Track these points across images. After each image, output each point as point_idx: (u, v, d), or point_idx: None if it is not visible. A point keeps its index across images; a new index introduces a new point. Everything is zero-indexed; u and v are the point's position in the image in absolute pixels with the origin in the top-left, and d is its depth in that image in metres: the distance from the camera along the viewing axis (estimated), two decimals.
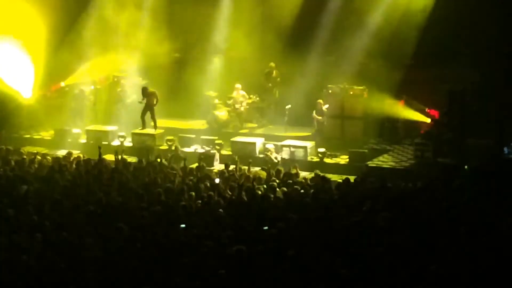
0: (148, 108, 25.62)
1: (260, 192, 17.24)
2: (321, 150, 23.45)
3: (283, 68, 26.29)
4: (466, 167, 20.88)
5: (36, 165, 20.33)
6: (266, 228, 14.40)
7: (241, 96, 26.49)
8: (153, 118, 25.72)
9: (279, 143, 23.97)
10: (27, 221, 14.96)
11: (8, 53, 27.03)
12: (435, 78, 24.76)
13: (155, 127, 25.78)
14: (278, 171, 19.72)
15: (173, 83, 27.43)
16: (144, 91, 25.62)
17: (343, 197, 17.03)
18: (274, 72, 26.44)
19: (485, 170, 19.78)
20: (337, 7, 26.03)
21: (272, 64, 26.35)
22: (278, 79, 26.39)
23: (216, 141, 24.43)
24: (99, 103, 27.82)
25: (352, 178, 19.03)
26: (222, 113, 26.54)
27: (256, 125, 26.93)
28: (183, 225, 14.74)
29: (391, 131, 25.31)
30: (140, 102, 25.71)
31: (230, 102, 26.49)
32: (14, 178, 18.64)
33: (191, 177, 19.05)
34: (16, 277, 12.38)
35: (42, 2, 26.14)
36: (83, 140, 26.03)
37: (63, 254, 13.09)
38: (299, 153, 23.57)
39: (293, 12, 26.44)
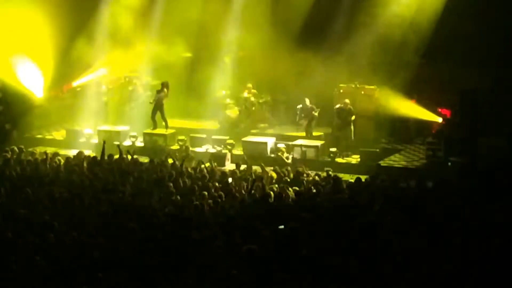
0: (158, 108, 25.67)
1: (271, 192, 17.22)
2: (333, 149, 23.44)
3: (295, 68, 26.24)
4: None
5: (47, 166, 20.38)
6: (282, 227, 14.40)
7: (252, 95, 26.48)
8: (163, 118, 25.75)
9: (290, 143, 23.95)
10: (39, 222, 15.00)
11: (19, 53, 27.08)
12: (447, 77, 24.69)
13: (166, 127, 25.81)
14: (289, 171, 19.70)
15: (184, 83, 27.43)
16: (164, 85, 25.67)
17: (355, 197, 17.01)
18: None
19: (496, 170, 19.70)
20: (348, 6, 26.00)
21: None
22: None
23: (227, 141, 24.43)
24: (111, 103, 27.86)
25: (363, 178, 19.03)
26: (233, 113, 26.53)
27: (267, 124, 26.93)
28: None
29: (403, 130, 25.28)
30: (151, 103, 25.78)
31: (241, 101, 26.49)
32: (26, 178, 18.70)
33: (203, 177, 19.06)
34: (28, 278, 12.41)
35: (53, 4, 26.17)
36: (94, 140, 26.06)
37: (74, 255, 13.11)
38: (311, 152, 23.55)
39: (304, 11, 26.43)
